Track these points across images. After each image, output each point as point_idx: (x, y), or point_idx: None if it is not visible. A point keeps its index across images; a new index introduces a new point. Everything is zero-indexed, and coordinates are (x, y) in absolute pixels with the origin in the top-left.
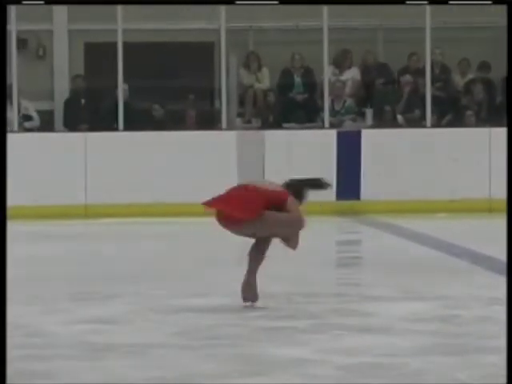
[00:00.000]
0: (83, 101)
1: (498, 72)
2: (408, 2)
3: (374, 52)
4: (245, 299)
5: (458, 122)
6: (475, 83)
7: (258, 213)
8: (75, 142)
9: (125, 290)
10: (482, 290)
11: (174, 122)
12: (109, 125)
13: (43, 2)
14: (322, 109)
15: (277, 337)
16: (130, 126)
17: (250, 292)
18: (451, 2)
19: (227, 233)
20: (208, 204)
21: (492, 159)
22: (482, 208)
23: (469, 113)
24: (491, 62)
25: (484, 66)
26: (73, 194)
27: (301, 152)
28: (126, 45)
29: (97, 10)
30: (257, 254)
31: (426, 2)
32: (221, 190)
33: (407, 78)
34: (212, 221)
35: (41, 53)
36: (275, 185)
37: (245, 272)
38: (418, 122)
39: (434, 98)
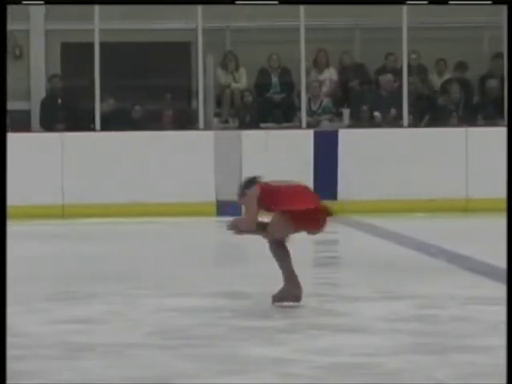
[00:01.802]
0: (60, 101)
1: (475, 72)
2: (408, 2)
3: (351, 52)
4: (299, 299)
5: (434, 121)
6: (452, 83)
7: None
8: (52, 142)
9: (103, 290)
10: (458, 290)
11: (150, 121)
12: (85, 125)
13: (43, 2)
14: (299, 109)
15: (255, 336)
16: (107, 125)
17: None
18: (451, 2)
19: (206, 233)
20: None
21: (469, 159)
22: (459, 208)
23: (454, 114)
24: (468, 62)
25: (460, 66)
26: (50, 195)
27: (278, 152)
28: (102, 45)
29: (73, 9)
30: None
31: (425, 2)
32: (199, 190)
33: (388, 77)
34: (189, 221)
35: (17, 53)
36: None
37: (283, 276)
38: (395, 122)
39: (410, 97)
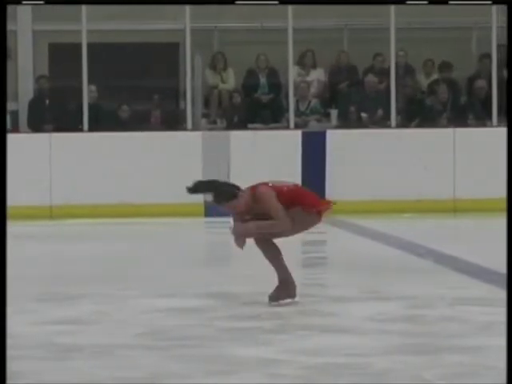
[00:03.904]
0: (47, 101)
1: (463, 72)
2: (408, 2)
3: (346, 52)
4: (293, 295)
5: (423, 122)
6: (439, 83)
7: None
8: (39, 142)
9: (92, 290)
10: (446, 290)
11: (138, 122)
12: (74, 125)
13: (43, 2)
14: (287, 109)
15: (243, 337)
16: (95, 126)
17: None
18: (451, 2)
19: (195, 233)
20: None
21: (456, 159)
22: (447, 208)
23: (443, 115)
24: (455, 63)
25: (445, 66)
26: (38, 195)
27: (266, 152)
28: (90, 45)
29: (61, 10)
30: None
31: (425, 2)
32: (184, 190)
33: (371, 77)
34: (178, 222)
35: None
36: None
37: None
38: (383, 123)
39: (402, 99)
